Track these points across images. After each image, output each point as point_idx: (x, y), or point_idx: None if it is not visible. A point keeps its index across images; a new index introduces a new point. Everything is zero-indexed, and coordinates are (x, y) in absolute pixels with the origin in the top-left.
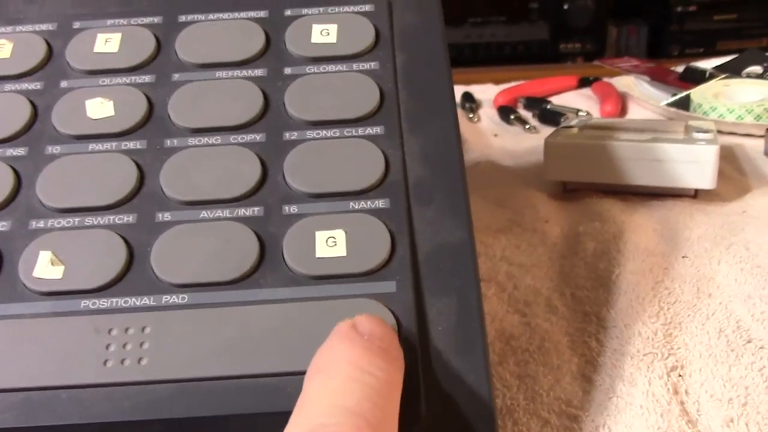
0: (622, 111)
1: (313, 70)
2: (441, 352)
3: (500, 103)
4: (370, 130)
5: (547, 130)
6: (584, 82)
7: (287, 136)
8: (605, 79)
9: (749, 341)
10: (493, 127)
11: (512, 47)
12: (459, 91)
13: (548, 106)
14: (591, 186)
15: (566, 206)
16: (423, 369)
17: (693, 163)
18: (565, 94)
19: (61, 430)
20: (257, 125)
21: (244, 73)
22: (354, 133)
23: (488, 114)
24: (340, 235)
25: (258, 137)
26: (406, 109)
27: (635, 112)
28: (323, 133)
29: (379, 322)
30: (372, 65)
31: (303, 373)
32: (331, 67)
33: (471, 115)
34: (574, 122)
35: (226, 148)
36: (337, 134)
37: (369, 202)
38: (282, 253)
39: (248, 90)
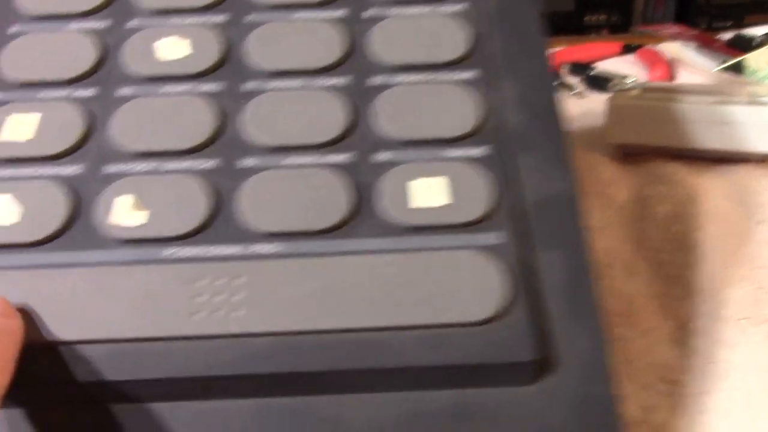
0: (672, 77)
1: (396, 11)
2: (554, 309)
3: None
4: (462, 75)
5: (594, 96)
6: (628, 49)
7: (373, 80)
8: (650, 46)
9: None
10: None
11: None
12: None
13: (594, 72)
14: (654, 149)
15: (629, 169)
16: (534, 327)
17: (762, 126)
18: (609, 61)
19: (149, 384)
20: (340, 69)
21: (323, 14)
22: (445, 78)
23: None
24: (439, 183)
25: (342, 81)
26: (499, 53)
27: (685, 79)
28: (412, 77)
29: None
30: (462, 6)
31: (406, 327)
32: (416, 9)
33: None
34: (632, 84)
35: (309, 92)
36: (428, 79)
37: (467, 150)
38: (376, 201)
39: (329, 31)
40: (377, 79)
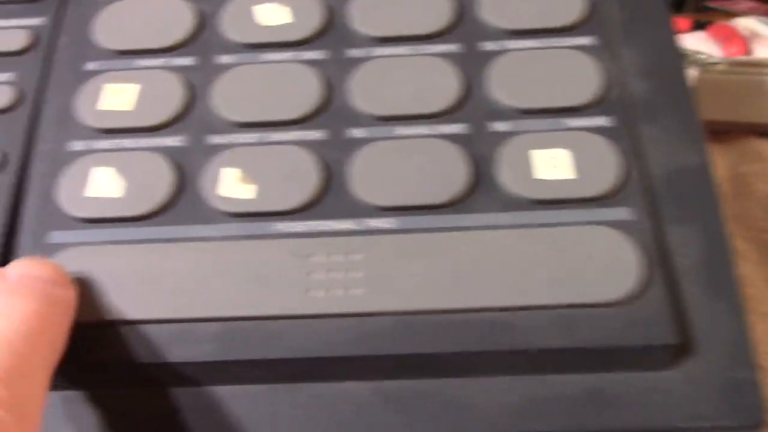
0: (749, 52)
1: None
2: (690, 288)
3: None
4: (580, 41)
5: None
6: (699, 25)
7: (485, 46)
8: (722, 22)
9: None
10: None
11: None
12: None
13: None
14: (745, 126)
15: (720, 147)
16: (672, 308)
17: None
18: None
19: (264, 365)
20: (450, 35)
21: None
22: (562, 44)
23: None
24: (563, 154)
25: (452, 47)
26: (618, 18)
27: (763, 53)
28: (526, 43)
29: (38, 263)
30: None
31: (536, 307)
32: None
33: None
34: (717, 59)
35: (418, 58)
36: (543, 45)
37: (589, 120)
38: (496, 174)
39: None
40: (489, 45)
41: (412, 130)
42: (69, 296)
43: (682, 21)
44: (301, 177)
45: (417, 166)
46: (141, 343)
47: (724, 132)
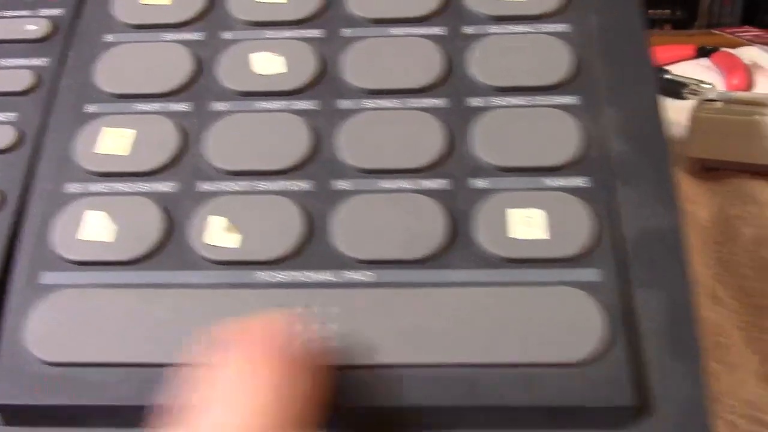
0: (751, 84)
1: (496, 30)
2: (653, 352)
3: None
4: (564, 100)
5: (667, 102)
6: (703, 52)
7: (472, 102)
8: (727, 50)
9: None
10: None
11: None
12: None
13: (668, 76)
14: (734, 165)
15: (710, 186)
16: (632, 370)
17: None
18: (682, 64)
19: None
20: (438, 89)
21: (421, 30)
22: (546, 102)
23: None
24: (538, 214)
25: (440, 102)
26: (602, 78)
27: (765, 86)
28: (512, 100)
29: (281, 321)
30: (562, 27)
31: (500, 365)
32: (517, 28)
33: None
34: (713, 95)
35: (406, 112)
36: (528, 102)
37: (567, 180)
38: (473, 231)
39: (426, 49)
40: (476, 101)
41: (395, 184)
42: (318, 360)
43: (686, 48)
44: (285, 227)
45: (397, 220)
46: (117, 386)
47: (714, 169)
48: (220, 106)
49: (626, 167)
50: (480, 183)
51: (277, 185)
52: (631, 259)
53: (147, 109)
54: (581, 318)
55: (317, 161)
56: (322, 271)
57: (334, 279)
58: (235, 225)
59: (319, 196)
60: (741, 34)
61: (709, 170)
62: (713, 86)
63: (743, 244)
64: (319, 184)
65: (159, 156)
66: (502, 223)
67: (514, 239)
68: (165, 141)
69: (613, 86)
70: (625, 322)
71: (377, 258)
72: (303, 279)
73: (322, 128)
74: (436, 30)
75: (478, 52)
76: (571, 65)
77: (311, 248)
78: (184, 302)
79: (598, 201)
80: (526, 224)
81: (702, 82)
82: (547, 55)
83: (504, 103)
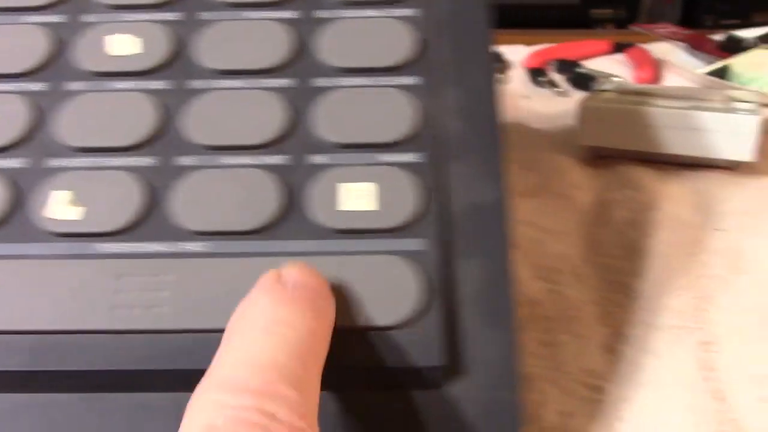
0: (657, 78)
1: (347, 14)
2: (467, 317)
3: (531, 65)
4: (405, 80)
5: (578, 94)
6: (618, 47)
7: (318, 82)
8: (640, 45)
9: None
10: (522, 89)
11: (542, 11)
12: None
13: (580, 70)
14: (625, 153)
15: (597, 172)
16: (447, 332)
17: (733, 134)
18: (598, 59)
19: (69, 375)
20: (286, 70)
21: (275, 14)
22: (388, 83)
23: (518, 75)
24: (368, 187)
25: (287, 82)
26: (444, 59)
27: (671, 81)
28: (356, 80)
29: (307, 272)
30: (410, 11)
31: None
32: (367, 12)
33: (500, 76)
34: (609, 86)
35: (253, 92)
36: (371, 83)
37: (401, 155)
38: (306, 204)
39: (278, 32)
40: (321, 81)
41: (237, 160)
42: (332, 308)
43: (602, 42)
44: (126, 201)
45: (235, 194)
46: None
47: (606, 157)
48: (75, 86)
49: (459, 144)
50: (318, 159)
51: (123, 161)
52: (456, 230)
53: (1, 88)
54: (399, 285)
55: (163, 138)
56: (158, 243)
57: (170, 250)
58: (78, 198)
59: (162, 171)
60: (658, 30)
61: (601, 158)
62: (622, 79)
63: (615, 226)
64: (164, 160)
65: (10, 132)
66: (334, 197)
67: (345, 211)
68: (16, 118)
69: (454, 68)
70: (443, 289)
71: (212, 229)
72: (140, 250)
73: (171, 107)
74: (288, 14)
75: (327, 35)
76: (415, 48)
77: (150, 221)
78: (22, 272)
79: (427, 175)
80: (356, 197)
81: (611, 75)
82: (393, 37)
83: (348, 83)
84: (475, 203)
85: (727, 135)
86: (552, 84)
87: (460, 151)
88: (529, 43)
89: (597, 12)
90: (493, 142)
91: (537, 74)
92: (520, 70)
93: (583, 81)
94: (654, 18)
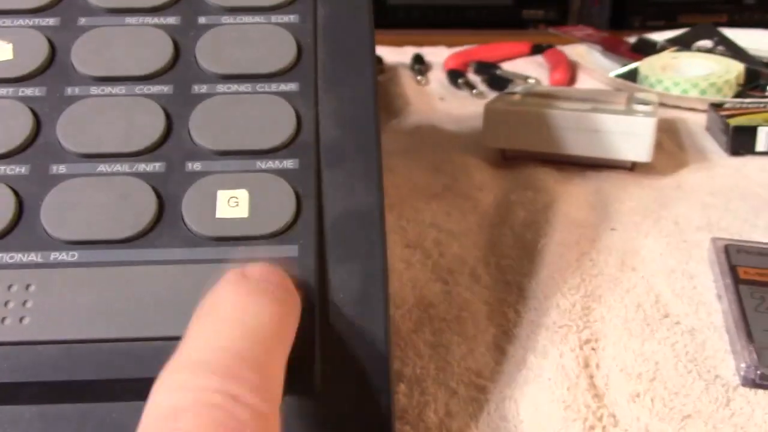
0: (571, 80)
1: (228, 20)
2: (341, 322)
3: (450, 66)
4: (283, 87)
5: (494, 96)
6: (537, 49)
7: (196, 89)
8: (558, 47)
9: (666, 316)
10: (440, 90)
11: (475, 11)
12: (410, 52)
13: (498, 72)
14: (529, 155)
15: (502, 174)
16: (321, 338)
17: (630, 135)
18: (517, 61)
19: None
20: (165, 76)
21: (155, 20)
22: (267, 89)
23: (437, 77)
24: (242, 194)
25: (165, 89)
26: (323, 66)
27: (584, 82)
28: (234, 87)
29: (271, 269)
30: (291, 18)
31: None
32: (248, 19)
33: (419, 78)
34: (518, 89)
35: (131, 99)
36: (249, 89)
37: (277, 162)
38: (181, 211)
39: (158, 38)
40: (200, 88)
41: (112, 167)
42: (297, 301)
43: (522, 45)
44: None
45: (108, 202)
46: None
47: (513, 158)
48: None
49: (335, 151)
50: (194, 166)
51: None
52: (330, 236)
53: None
54: None
55: (37, 146)
56: (27, 252)
57: (39, 260)
58: None
59: (34, 180)
60: (574, 32)
61: (508, 159)
62: (537, 81)
63: (513, 227)
64: (36, 168)
65: None
66: (209, 204)
67: (220, 218)
68: None
69: (332, 75)
70: (317, 294)
71: (81, 239)
72: (8, 260)
73: (45, 114)
74: (170, 20)
75: (207, 41)
76: (294, 54)
77: (19, 230)
78: None
79: (303, 182)
80: (232, 204)
81: (528, 77)
82: (273, 44)
83: (226, 90)
84: (350, 209)
85: (625, 136)
86: (469, 86)
87: (335, 158)
88: (453, 44)
89: (529, 13)
90: (369, 148)
91: (456, 76)
92: (440, 72)
93: (500, 82)
94: (583, 19)
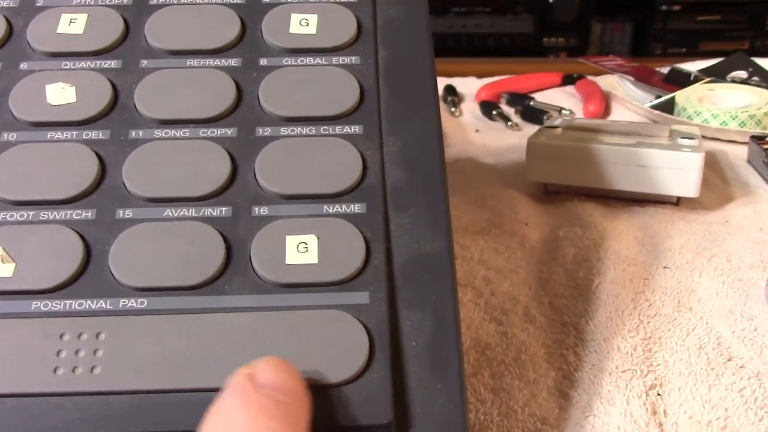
0: (606, 111)
1: (290, 62)
2: (414, 369)
3: (483, 97)
4: (348, 129)
5: (529, 128)
6: (568, 80)
7: (260, 131)
8: (590, 78)
9: (730, 359)
10: (474, 122)
11: (496, 39)
12: (441, 83)
13: (531, 103)
14: (573, 189)
15: (547, 209)
16: (394, 386)
17: (677, 170)
18: (549, 91)
19: None
20: (228, 119)
21: (217, 62)
22: (331, 132)
23: (470, 108)
24: (312, 240)
25: (229, 132)
26: (386, 108)
27: (618, 113)
28: (298, 130)
29: (282, 370)
30: (353, 59)
31: None
32: (309, 60)
33: (453, 109)
34: (557, 122)
35: (195, 142)
36: (313, 132)
37: (344, 206)
38: (249, 257)
39: (220, 81)
40: (264, 131)
41: (178, 212)
42: (308, 412)
43: (553, 75)
44: (63, 256)
45: (176, 248)
46: None
47: (556, 193)
48: (10, 136)
49: (401, 194)
50: (261, 210)
51: (60, 214)
52: (399, 282)
53: None
54: (345, 340)
55: (102, 190)
56: (96, 299)
57: (108, 307)
58: (10, 254)
59: (101, 225)
60: (605, 63)
61: (551, 193)
62: (572, 113)
63: (563, 264)
64: (102, 212)
65: None
66: (278, 250)
67: (289, 265)
68: None
69: (396, 117)
70: (390, 342)
71: (151, 285)
72: (77, 308)
73: (110, 158)
74: (231, 62)
75: (269, 83)
76: (357, 96)
77: (87, 277)
78: None
79: (371, 226)
80: (301, 250)
81: (562, 108)
82: (335, 86)
83: (290, 133)
84: (419, 253)
85: (672, 171)
86: (504, 117)
87: (401, 201)
88: (480, 73)
89: (549, 40)
90: (435, 190)
91: (489, 107)
92: (472, 103)
93: (534, 114)
94: (604, 46)
